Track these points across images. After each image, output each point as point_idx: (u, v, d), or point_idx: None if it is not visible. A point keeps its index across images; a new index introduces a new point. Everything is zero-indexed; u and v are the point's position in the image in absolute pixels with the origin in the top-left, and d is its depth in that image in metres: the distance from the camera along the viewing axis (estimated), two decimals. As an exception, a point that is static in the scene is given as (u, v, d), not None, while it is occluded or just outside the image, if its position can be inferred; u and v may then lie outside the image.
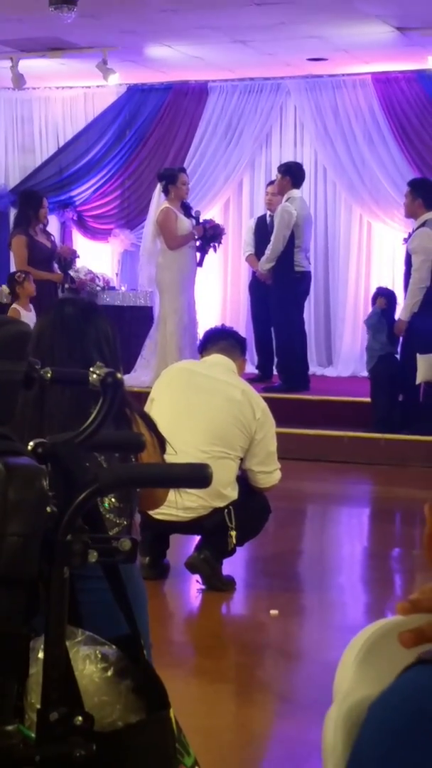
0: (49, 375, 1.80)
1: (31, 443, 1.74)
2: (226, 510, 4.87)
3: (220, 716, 3.81)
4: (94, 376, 1.75)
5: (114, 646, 1.80)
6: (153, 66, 10.81)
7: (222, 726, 3.71)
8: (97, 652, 1.77)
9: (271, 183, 10.22)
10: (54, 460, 1.73)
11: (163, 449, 2.87)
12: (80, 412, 1.90)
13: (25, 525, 1.59)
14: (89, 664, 1.74)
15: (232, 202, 11.65)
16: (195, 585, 5.07)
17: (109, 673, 1.74)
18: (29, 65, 10.55)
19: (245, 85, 11.33)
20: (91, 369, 1.75)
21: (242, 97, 11.37)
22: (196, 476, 1.67)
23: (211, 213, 10.82)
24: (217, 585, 4.98)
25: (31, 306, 8.86)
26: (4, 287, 9.39)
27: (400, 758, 0.98)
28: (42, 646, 1.70)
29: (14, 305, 8.96)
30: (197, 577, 5.03)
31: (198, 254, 9.51)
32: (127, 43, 9.84)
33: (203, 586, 5.01)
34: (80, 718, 1.58)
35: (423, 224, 8.58)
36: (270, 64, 10.55)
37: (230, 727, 3.75)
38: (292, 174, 9.58)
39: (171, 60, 10.49)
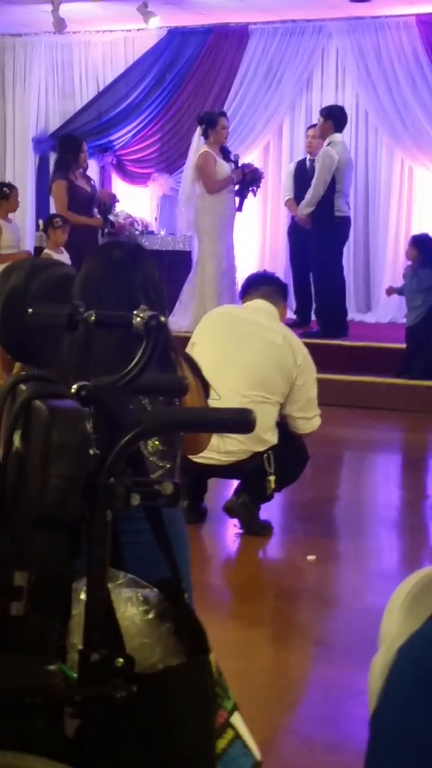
0: (92, 318, 1.80)
1: (75, 386, 1.74)
2: (265, 455, 4.88)
3: (256, 660, 3.83)
4: (138, 319, 1.74)
5: (155, 589, 1.81)
6: (193, 8, 10.67)
7: (259, 670, 3.73)
8: (139, 594, 1.78)
9: (312, 126, 10.09)
10: (97, 403, 1.73)
11: (207, 393, 2.86)
12: (126, 356, 1.89)
13: (68, 467, 1.59)
14: (130, 606, 1.75)
15: (271, 146, 11.54)
16: (232, 529, 5.10)
17: (150, 615, 1.75)
18: (70, 9, 10.46)
19: (286, 27, 11.16)
20: (135, 312, 1.74)
21: (283, 39, 11.21)
22: (240, 421, 1.66)
23: (250, 157, 10.72)
24: (255, 529, 5.01)
25: (62, 250, 8.81)
26: (41, 234, 9.41)
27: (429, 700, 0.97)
28: (84, 588, 1.72)
29: (45, 250, 8.95)
30: (235, 521, 5.06)
31: (237, 199, 9.44)
32: (168, -16, 9.73)
33: (241, 530, 5.04)
34: (121, 659, 1.60)
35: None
36: (312, 5, 10.38)
37: (267, 670, 3.78)
38: (335, 117, 9.46)
39: (211, 2, 10.35)
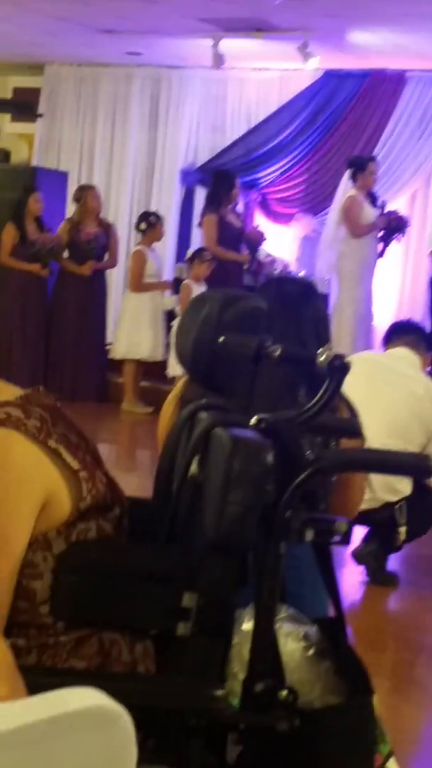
0: (277, 353, 1.82)
1: (254, 418, 1.76)
2: (397, 505, 4.84)
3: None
4: (322, 358, 1.75)
5: (316, 626, 1.81)
6: (352, 51, 10.72)
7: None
8: (300, 630, 1.78)
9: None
10: (275, 437, 1.75)
11: (363, 438, 2.85)
12: (289, 392, 1.90)
13: (246, 496, 1.61)
14: (291, 641, 1.76)
15: (419, 194, 11.48)
16: (357, 576, 5.06)
17: (310, 652, 1.76)
18: (228, 45, 10.60)
19: (445, 76, 11.12)
20: (320, 350, 1.76)
21: (440, 88, 11.17)
22: (420, 466, 1.66)
23: (396, 204, 10.69)
24: (381, 579, 4.96)
25: (203, 283, 8.91)
26: (180, 266, 9.54)
27: None
28: (246, 618, 1.73)
29: (186, 280, 9.08)
30: (360, 568, 5.02)
31: (380, 245, 9.43)
32: (330, 27, 9.77)
33: (366, 579, 5.00)
34: (285, 692, 1.61)
35: None
36: (473, 54, 10.34)
37: (385, 723, 3.73)
38: None
39: (371, 46, 10.38)
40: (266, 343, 1.77)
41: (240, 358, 1.75)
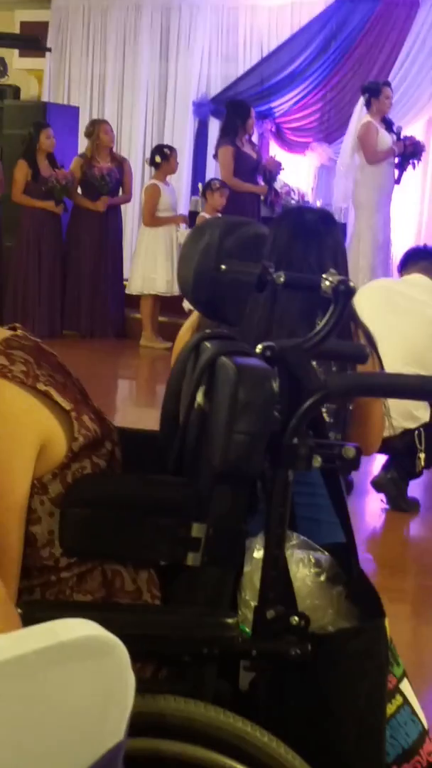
0: (281, 279, 1.79)
1: (260, 346, 1.74)
2: (416, 431, 4.83)
3: (395, 634, 3.81)
4: (327, 282, 1.72)
5: (326, 552, 1.81)
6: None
7: (399, 645, 3.71)
8: (311, 556, 1.78)
9: None
10: (282, 364, 1.73)
11: (381, 367, 2.83)
12: (308, 320, 1.87)
13: (252, 424, 1.60)
14: (302, 567, 1.76)
15: (435, 119, 11.31)
16: (378, 504, 5.07)
17: (322, 578, 1.76)
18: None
19: (459, -3, 10.89)
20: (324, 276, 1.73)
21: (454, 10, 10.95)
22: (428, 389, 1.64)
23: (412, 129, 10.53)
24: (402, 506, 4.97)
25: (219, 215, 8.85)
26: (197, 198, 9.45)
27: None
28: (257, 546, 1.73)
29: (202, 213, 9.02)
30: (381, 496, 5.03)
31: (396, 171, 9.30)
32: None
33: (387, 506, 5.01)
34: (296, 618, 1.61)
35: None
36: None
37: (404, 645, 3.75)
38: None
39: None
40: (269, 269, 1.74)
41: (242, 285, 1.73)
